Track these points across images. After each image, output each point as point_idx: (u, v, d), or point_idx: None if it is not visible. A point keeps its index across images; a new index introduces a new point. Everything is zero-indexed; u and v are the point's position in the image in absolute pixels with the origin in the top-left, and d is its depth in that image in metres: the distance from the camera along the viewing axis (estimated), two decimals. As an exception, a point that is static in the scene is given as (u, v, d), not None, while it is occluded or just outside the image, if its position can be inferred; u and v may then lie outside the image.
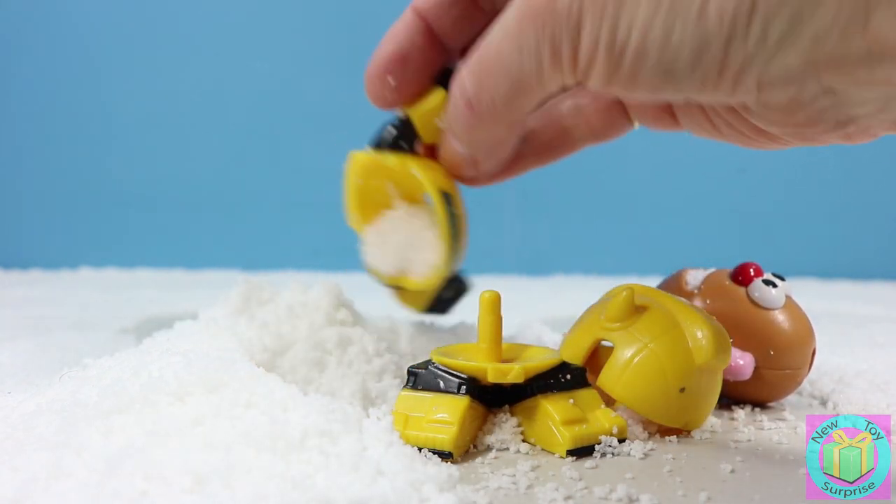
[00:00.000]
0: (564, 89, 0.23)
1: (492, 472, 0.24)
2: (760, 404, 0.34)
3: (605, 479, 0.23)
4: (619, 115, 0.32)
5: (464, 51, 0.30)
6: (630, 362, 0.28)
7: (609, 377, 0.28)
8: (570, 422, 0.26)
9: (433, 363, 0.28)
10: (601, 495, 0.22)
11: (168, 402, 0.24)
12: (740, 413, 0.32)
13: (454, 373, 0.27)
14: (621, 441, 0.27)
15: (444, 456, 0.25)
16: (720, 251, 1.04)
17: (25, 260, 1.11)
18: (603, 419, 0.27)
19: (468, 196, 0.33)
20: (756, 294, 0.33)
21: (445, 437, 0.25)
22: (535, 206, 1.11)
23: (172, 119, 1.14)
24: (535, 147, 0.34)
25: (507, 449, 0.27)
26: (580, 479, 0.24)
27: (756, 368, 0.31)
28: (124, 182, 1.15)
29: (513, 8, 0.23)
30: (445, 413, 0.26)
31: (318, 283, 0.39)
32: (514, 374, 0.26)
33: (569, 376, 0.28)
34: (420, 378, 0.28)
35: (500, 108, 0.25)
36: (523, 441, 0.27)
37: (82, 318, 0.61)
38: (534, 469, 0.25)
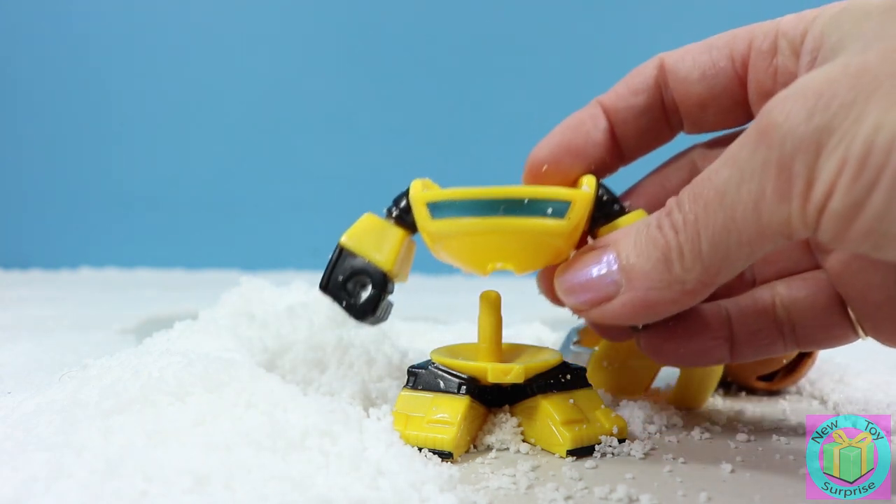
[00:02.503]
0: (785, 236, 0.19)
1: (492, 472, 0.24)
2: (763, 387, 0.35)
3: (605, 479, 0.23)
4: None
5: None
6: (705, 377, 0.31)
7: (687, 397, 0.32)
8: (570, 422, 0.26)
9: (433, 363, 0.28)
10: (601, 495, 0.22)
11: (168, 402, 0.24)
12: (741, 413, 0.32)
13: (454, 373, 0.27)
14: (621, 441, 0.27)
15: (444, 456, 0.25)
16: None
17: (25, 260, 1.11)
18: (603, 419, 0.27)
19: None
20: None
21: (445, 437, 0.25)
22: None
23: (173, 119, 1.14)
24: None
25: (507, 449, 0.27)
26: (580, 479, 0.23)
27: None
28: (124, 182, 1.15)
29: (742, 134, 0.19)
30: (445, 413, 0.26)
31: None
32: (514, 374, 0.26)
33: (569, 376, 0.28)
34: (420, 378, 0.28)
35: (705, 248, 0.20)
36: (523, 441, 0.27)
37: (82, 318, 0.61)
38: (534, 469, 0.25)
